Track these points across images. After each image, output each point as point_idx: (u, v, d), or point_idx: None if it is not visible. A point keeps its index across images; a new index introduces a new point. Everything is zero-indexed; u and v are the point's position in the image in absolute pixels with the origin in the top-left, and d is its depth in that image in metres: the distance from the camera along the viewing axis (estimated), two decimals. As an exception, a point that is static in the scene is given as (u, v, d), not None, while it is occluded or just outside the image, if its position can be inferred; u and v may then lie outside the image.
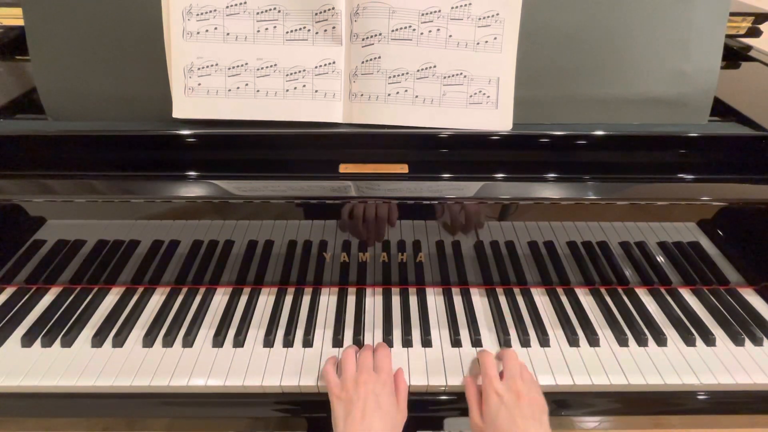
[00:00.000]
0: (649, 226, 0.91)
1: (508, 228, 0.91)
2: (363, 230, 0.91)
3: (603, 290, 0.99)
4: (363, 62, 0.85)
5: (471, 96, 0.85)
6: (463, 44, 0.84)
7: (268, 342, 0.88)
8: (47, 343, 0.87)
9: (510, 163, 0.88)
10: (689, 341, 0.89)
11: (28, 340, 0.87)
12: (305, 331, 0.90)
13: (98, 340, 0.88)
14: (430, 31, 0.83)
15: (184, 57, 0.84)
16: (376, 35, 0.83)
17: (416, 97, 0.85)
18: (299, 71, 0.85)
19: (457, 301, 0.97)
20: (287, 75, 0.85)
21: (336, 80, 0.86)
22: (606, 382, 0.82)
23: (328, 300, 0.97)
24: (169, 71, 0.85)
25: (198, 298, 0.96)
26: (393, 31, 0.83)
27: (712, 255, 0.95)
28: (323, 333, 0.90)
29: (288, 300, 0.96)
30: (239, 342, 0.88)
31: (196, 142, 0.88)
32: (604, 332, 0.91)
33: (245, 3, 0.83)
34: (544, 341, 0.88)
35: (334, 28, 0.84)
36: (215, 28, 0.84)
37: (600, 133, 0.88)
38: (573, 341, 0.89)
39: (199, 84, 0.85)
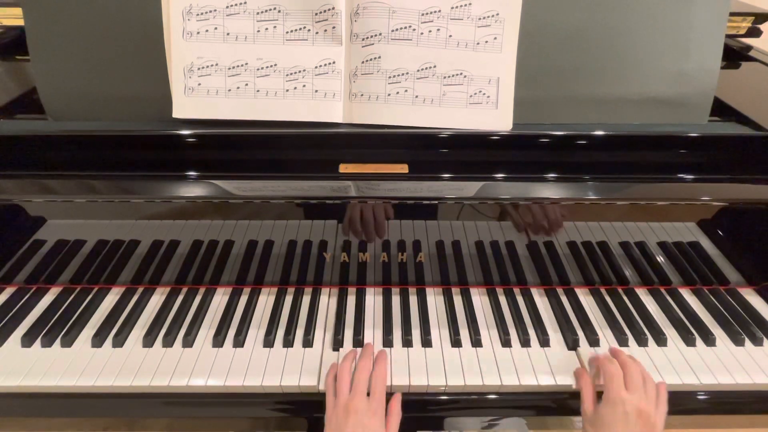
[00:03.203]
0: (649, 226, 0.91)
1: (509, 228, 0.91)
2: (360, 229, 0.91)
3: (603, 290, 0.99)
4: (363, 62, 0.85)
5: (471, 96, 0.85)
6: (463, 44, 0.84)
7: (268, 342, 0.88)
8: (47, 343, 0.87)
9: (510, 163, 0.88)
10: (689, 341, 0.89)
11: (28, 340, 0.87)
12: (305, 331, 0.90)
13: (98, 340, 0.88)
14: (430, 31, 0.83)
15: (184, 57, 0.84)
16: (376, 35, 0.83)
17: (416, 97, 0.85)
18: (299, 71, 0.85)
19: (457, 301, 0.97)
20: (287, 75, 0.85)
21: (336, 80, 0.86)
22: (606, 382, 0.82)
23: (328, 300, 0.97)
24: (169, 71, 0.85)
25: (198, 298, 0.96)
26: (393, 31, 0.83)
27: (712, 255, 0.95)
28: (323, 333, 0.90)
29: (288, 300, 0.96)
30: (239, 342, 0.88)
31: (196, 142, 0.88)
32: (604, 332, 0.91)
33: (245, 3, 0.83)
34: (544, 341, 0.88)
35: (334, 28, 0.84)
36: (215, 28, 0.84)
37: (600, 133, 0.88)
38: (573, 342, 0.88)
39: (199, 84, 0.85)
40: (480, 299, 0.97)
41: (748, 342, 0.89)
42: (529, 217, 0.90)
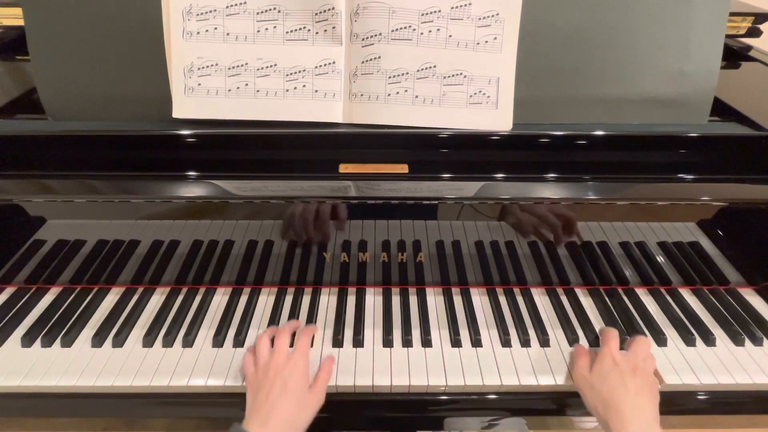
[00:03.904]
0: (649, 226, 0.91)
1: (508, 228, 0.91)
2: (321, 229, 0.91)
3: (603, 290, 0.99)
4: (363, 62, 0.85)
5: (471, 96, 0.85)
6: (463, 44, 0.84)
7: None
8: (47, 343, 0.87)
9: (510, 163, 0.88)
10: (689, 341, 0.89)
11: (28, 340, 0.87)
12: (305, 331, 0.90)
13: (98, 340, 0.88)
14: (430, 31, 0.83)
15: (184, 57, 0.84)
16: (376, 35, 0.83)
17: (416, 97, 0.85)
18: (299, 71, 0.85)
19: (457, 301, 0.97)
20: (287, 75, 0.85)
21: (336, 80, 0.86)
22: (606, 382, 0.82)
23: (328, 300, 0.97)
24: (169, 71, 0.85)
25: (198, 298, 0.96)
26: (393, 31, 0.83)
27: (712, 255, 0.95)
28: (323, 333, 0.90)
29: (288, 300, 0.96)
30: (239, 342, 0.88)
31: (196, 142, 0.88)
32: (604, 332, 0.91)
33: (245, 3, 0.83)
34: (543, 341, 0.88)
35: (334, 28, 0.84)
36: (215, 28, 0.84)
37: (600, 133, 0.88)
38: (573, 341, 0.89)
39: (199, 84, 0.85)
40: (480, 299, 0.97)
41: (748, 342, 0.89)
42: (530, 221, 0.90)
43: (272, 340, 0.82)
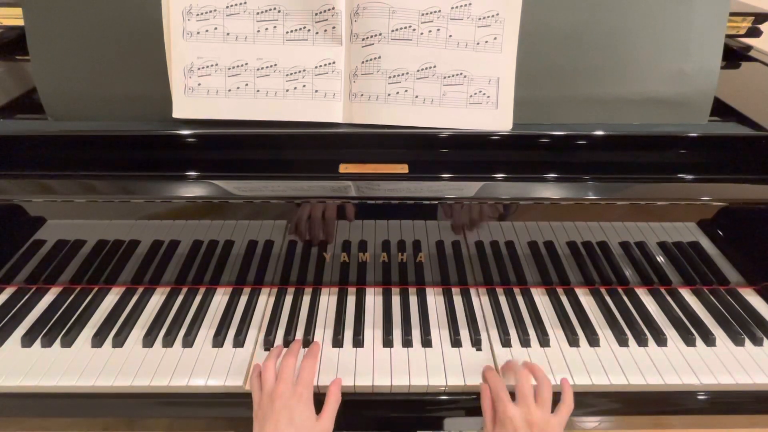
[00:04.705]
0: (649, 226, 0.91)
1: (508, 228, 0.91)
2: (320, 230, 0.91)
3: (603, 290, 0.99)
4: (363, 62, 0.85)
5: (471, 96, 0.85)
6: (463, 44, 0.84)
7: (269, 342, 0.88)
8: (47, 343, 0.87)
9: (510, 163, 0.88)
10: (689, 341, 0.89)
11: (28, 340, 0.87)
12: (305, 331, 0.90)
13: (98, 340, 0.88)
14: (430, 31, 0.83)
15: (184, 57, 0.85)
16: (376, 35, 0.83)
17: (416, 97, 0.85)
18: (299, 71, 0.85)
19: (457, 301, 0.97)
20: (287, 75, 0.85)
21: (336, 80, 0.86)
22: (606, 382, 0.82)
23: (328, 300, 0.97)
24: (169, 71, 0.85)
25: (198, 298, 0.96)
26: (393, 31, 0.83)
27: (712, 255, 0.95)
28: (323, 333, 0.90)
29: (288, 300, 0.96)
30: (239, 342, 0.88)
31: (196, 142, 0.88)
32: (604, 332, 0.91)
33: (245, 3, 0.83)
34: (544, 341, 0.88)
35: (334, 28, 0.84)
36: (215, 28, 0.84)
37: (600, 133, 0.88)
38: (573, 341, 0.89)
39: (199, 84, 0.85)
40: (480, 299, 0.97)
41: (748, 342, 0.89)
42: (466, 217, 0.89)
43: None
